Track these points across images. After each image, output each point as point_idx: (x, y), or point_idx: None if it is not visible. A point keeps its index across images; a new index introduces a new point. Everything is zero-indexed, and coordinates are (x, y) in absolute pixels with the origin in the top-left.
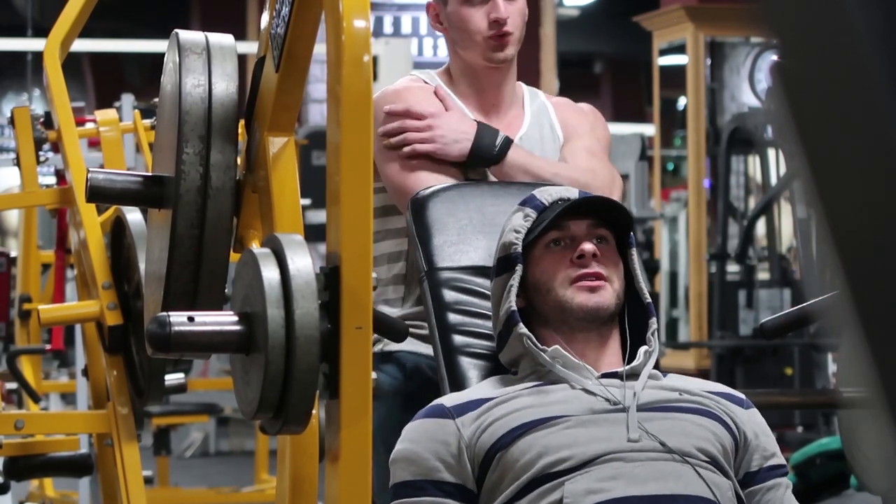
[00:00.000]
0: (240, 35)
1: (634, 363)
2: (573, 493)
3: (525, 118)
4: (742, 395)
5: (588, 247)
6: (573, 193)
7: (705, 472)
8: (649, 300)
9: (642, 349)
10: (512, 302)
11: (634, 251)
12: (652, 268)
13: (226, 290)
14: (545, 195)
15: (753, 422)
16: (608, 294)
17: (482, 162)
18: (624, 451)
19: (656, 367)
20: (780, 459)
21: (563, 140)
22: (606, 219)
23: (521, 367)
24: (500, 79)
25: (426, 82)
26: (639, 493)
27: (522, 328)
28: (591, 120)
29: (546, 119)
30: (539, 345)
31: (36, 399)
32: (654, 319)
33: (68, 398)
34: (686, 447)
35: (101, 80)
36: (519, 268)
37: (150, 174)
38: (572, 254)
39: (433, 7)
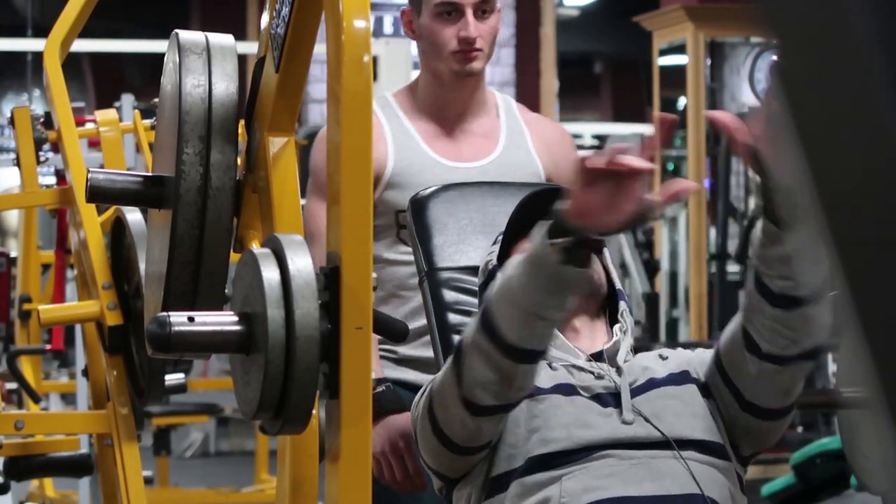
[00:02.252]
0: (240, 35)
1: (615, 339)
2: (570, 491)
3: (500, 138)
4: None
5: None
6: None
7: (700, 466)
8: (620, 287)
9: (616, 327)
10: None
11: (606, 249)
12: (652, 268)
13: (226, 290)
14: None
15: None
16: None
17: None
18: (619, 442)
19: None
20: None
21: (542, 172)
22: None
23: None
24: (467, 92)
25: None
26: (635, 493)
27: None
28: (573, 157)
29: (523, 143)
30: None
31: (36, 399)
32: (623, 303)
33: (68, 398)
34: (679, 430)
35: (101, 80)
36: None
37: (150, 174)
38: None
39: (407, 14)
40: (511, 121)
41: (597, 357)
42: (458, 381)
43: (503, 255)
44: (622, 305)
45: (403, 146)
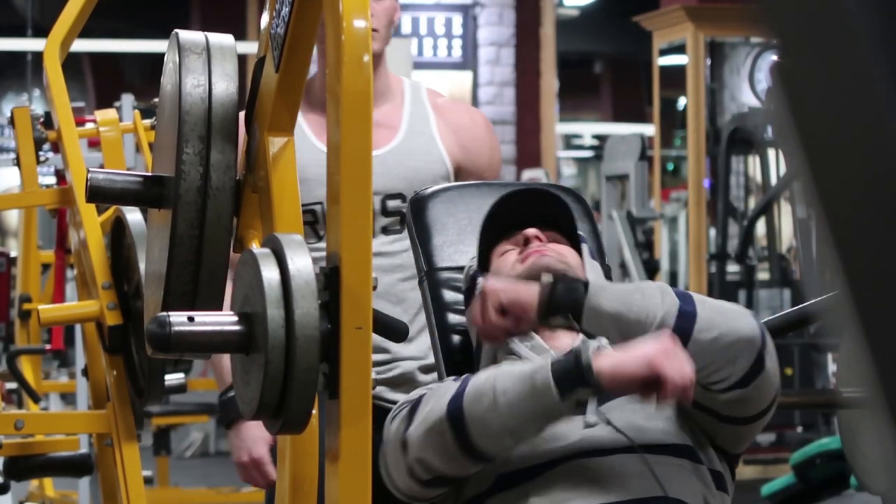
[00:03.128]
0: (240, 35)
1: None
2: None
3: (401, 125)
4: None
5: (531, 231)
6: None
7: (669, 469)
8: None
9: None
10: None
11: (585, 247)
12: (652, 268)
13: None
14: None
15: None
16: (553, 258)
17: None
18: (585, 450)
19: None
20: None
21: (448, 158)
22: (550, 220)
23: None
24: None
25: None
26: (602, 501)
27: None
28: (488, 141)
29: (426, 129)
30: None
31: (36, 399)
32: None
33: (68, 398)
34: (649, 435)
35: (101, 80)
36: (479, 280)
37: (150, 174)
38: (520, 245)
39: None
40: (416, 107)
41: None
42: (404, 448)
43: (483, 262)
44: None
45: None
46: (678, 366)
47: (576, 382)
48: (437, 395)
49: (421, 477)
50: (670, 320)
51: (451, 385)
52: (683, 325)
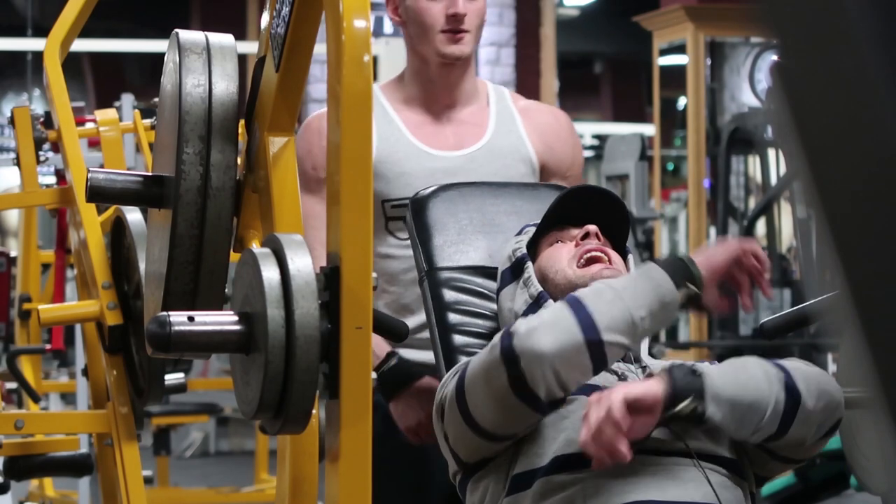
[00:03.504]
0: (240, 35)
1: None
2: (592, 493)
3: (489, 124)
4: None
5: (592, 227)
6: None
7: (719, 478)
8: None
9: None
10: (535, 287)
11: (631, 258)
12: None
13: (226, 290)
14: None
15: None
16: (615, 271)
17: None
18: (644, 447)
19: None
20: None
21: (535, 157)
22: (606, 229)
23: None
24: (455, 78)
25: None
26: (659, 497)
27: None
28: (571, 140)
29: (513, 128)
30: None
31: (36, 399)
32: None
33: (68, 398)
34: (701, 442)
35: (101, 80)
36: (529, 265)
37: (150, 174)
38: (576, 239)
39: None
40: (502, 108)
41: (623, 358)
42: (510, 361)
43: (533, 245)
44: None
45: (387, 136)
46: (757, 246)
47: (683, 275)
48: (536, 315)
49: (536, 389)
50: (780, 406)
51: (545, 308)
52: (790, 405)
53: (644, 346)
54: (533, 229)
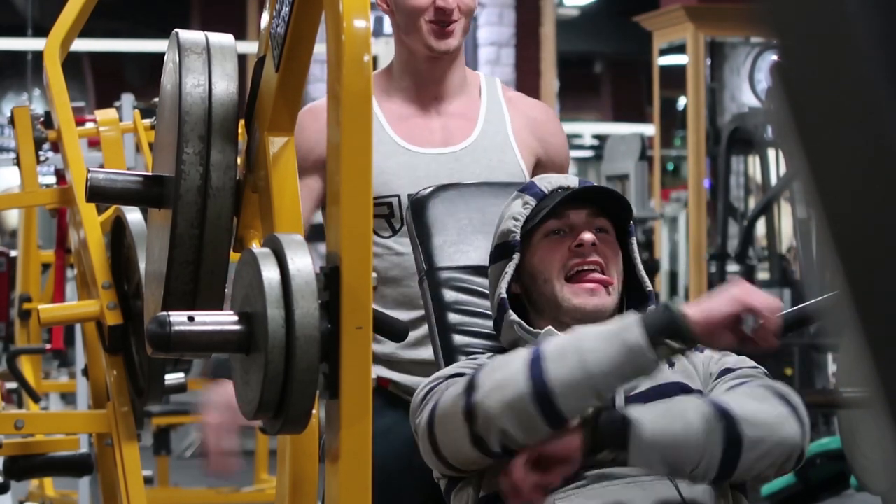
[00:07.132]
0: (240, 35)
1: None
2: None
3: (479, 118)
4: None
5: (587, 236)
6: (573, 182)
7: (693, 491)
8: (650, 288)
9: None
10: (503, 290)
11: (634, 240)
12: (652, 268)
13: (226, 290)
14: (545, 183)
15: (708, 357)
16: (607, 297)
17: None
18: (614, 460)
19: None
20: (733, 364)
21: (525, 152)
22: (606, 208)
23: None
24: (443, 71)
25: None
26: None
27: (513, 316)
28: (562, 135)
29: (501, 125)
30: (531, 329)
31: (36, 399)
32: (653, 307)
33: (68, 398)
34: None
35: (101, 80)
36: (516, 256)
37: (150, 174)
38: (571, 242)
39: None
40: (492, 102)
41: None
42: (469, 418)
43: (526, 236)
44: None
45: None
46: (764, 297)
47: (668, 334)
48: (502, 363)
49: (491, 448)
50: (716, 455)
51: (514, 354)
52: (731, 455)
53: None
54: (533, 204)
